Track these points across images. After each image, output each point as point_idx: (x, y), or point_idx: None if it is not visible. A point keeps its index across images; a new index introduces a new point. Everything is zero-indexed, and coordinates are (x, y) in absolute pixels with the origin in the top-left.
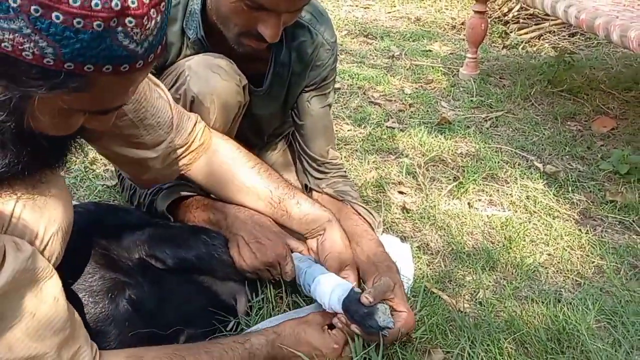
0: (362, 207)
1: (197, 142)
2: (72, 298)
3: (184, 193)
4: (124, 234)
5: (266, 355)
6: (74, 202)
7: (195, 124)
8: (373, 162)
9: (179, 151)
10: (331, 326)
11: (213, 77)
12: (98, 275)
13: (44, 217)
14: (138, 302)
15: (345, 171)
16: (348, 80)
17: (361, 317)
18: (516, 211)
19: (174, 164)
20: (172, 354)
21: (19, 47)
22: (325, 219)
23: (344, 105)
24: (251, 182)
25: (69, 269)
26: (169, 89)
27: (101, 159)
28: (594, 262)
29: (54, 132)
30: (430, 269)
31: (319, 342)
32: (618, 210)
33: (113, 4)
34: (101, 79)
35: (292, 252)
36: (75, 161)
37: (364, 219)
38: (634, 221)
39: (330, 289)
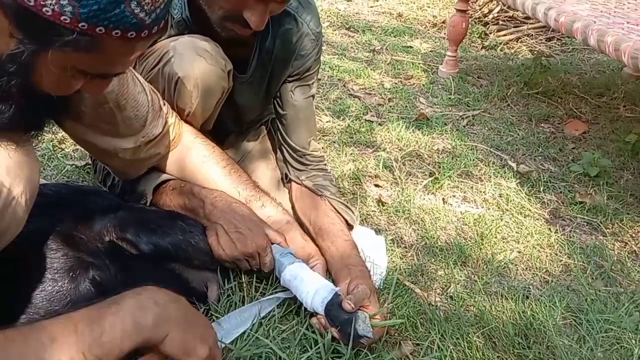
0: (341, 202)
1: (168, 136)
2: (30, 276)
3: (165, 177)
4: (95, 217)
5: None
6: (43, 182)
7: (167, 119)
8: (351, 154)
9: (150, 144)
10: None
11: (198, 60)
12: (61, 253)
13: (10, 173)
14: (102, 284)
15: (325, 164)
16: (328, 71)
17: (341, 323)
18: (489, 208)
19: (143, 157)
20: None
21: (41, 3)
22: (284, 221)
23: (324, 96)
24: (221, 183)
25: (33, 249)
26: (152, 69)
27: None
28: (562, 260)
29: (54, 90)
30: (403, 262)
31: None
32: (587, 211)
33: None
34: (109, 42)
35: (271, 243)
36: (44, 139)
37: (341, 215)
38: (601, 222)
39: (314, 289)
